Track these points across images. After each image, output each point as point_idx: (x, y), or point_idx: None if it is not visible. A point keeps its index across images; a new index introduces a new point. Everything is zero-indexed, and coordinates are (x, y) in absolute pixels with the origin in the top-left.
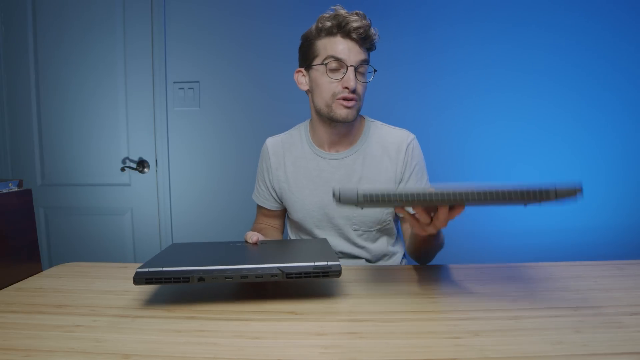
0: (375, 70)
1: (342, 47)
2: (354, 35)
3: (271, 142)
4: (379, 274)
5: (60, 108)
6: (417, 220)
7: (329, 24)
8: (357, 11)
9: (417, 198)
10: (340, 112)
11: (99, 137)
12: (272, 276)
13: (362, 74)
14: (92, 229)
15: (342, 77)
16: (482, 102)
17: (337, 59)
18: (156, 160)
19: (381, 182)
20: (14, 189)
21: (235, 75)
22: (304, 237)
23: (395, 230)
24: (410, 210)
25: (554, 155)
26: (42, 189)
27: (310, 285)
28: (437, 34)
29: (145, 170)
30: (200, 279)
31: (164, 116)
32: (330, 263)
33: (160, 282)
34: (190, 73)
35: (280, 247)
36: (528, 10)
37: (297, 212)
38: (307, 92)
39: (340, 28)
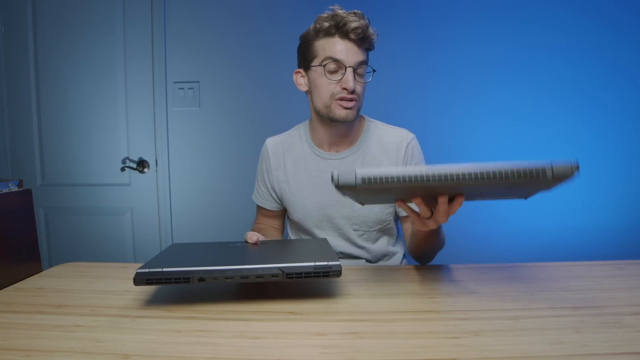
0: (374, 71)
1: (340, 48)
2: (352, 35)
3: (271, 143)
4: (379, 274)
5: (60, 108)
6: (418, 215)
7: (326, 24)
8: (355, 11)
9: (416, 179)
10: (340, 112)
11: (99, 137)
12: (272, 276)
13: (361, 75)
14: (92, 229)
15: (341, 78)
16: (482, 102)
17: (336, 60)
18: (156, 160)
19: None
20: (14, 189)
21: (235, 75)
22: (304, 237)
23: (395, 230)
24: (413, 206)
25: (554, 155)
26: (42, 189)
27: (310, 285)
28: (437, 33)
29: (145, 170)
30: (201, 280)
31: (164, 116)
32: (330, 263)
33: (161, 283)
34: (190, 73)
35: (280, 247)
36: (528, 10)
37: (297, 212)
38: (306, 92)
39: (338, 28)
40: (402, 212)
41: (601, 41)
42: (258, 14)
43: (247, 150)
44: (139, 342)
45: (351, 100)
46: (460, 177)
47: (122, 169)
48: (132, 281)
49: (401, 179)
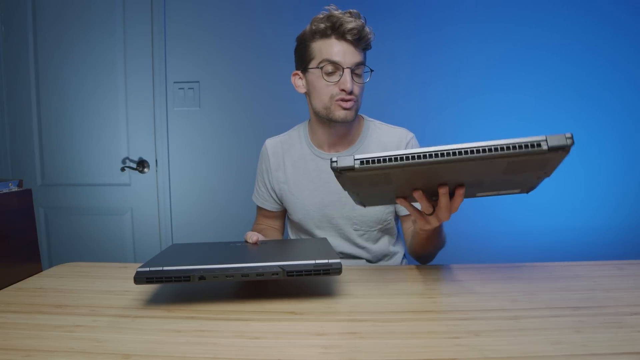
0: (371, 71)
1: (337, 50)
2: (348, 36)
3: (270, 143)
4: (379, 274)
5: (60, 108)
6: (421, 213)
7: (322, 25)
8: (351, 10)
9: (413, 157)
10: (339, 113)
11: (99, 137)
12: (273, 274)
13: (359, 75)
14: (92, 229)
15: (339, 80)
16: (482, 102)
17: (333, 62)
18: (156, 160)
19: None
20: (14, 189)
21: (235, 75)
22: (305, 237)
23: (395, 230)
24: (416, 204)
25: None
26: (42, 189)
27: (310, 285)
28: (437, 34)
29: (145, 170)
30: (201, 278)
31: (164, 116)
32: (330, 261)
33: (161, 281)
34: (190, 73)
35: (280, 246)
36: (528, 10)
37: (297, 212)
38: (305, 94)
39: (334, 30)
40: (402, 212)
41: (601, 41)
42: (258, 14)
43: (247, 150)
44: (139, 342)
45: (349, 100)
46: (457, 151)
47: (122, 169)
48: (132, 281)
49: (399, 159)
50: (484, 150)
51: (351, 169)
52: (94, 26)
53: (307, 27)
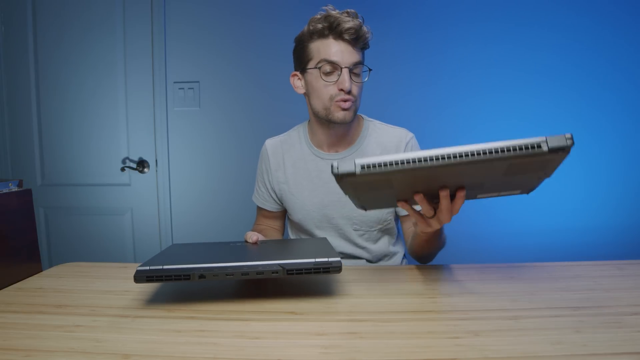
0: (370, 70)
1: (335, 50)
2: (346, 36)
3: (270, 144)
4: (379, 274)
5: (60, 108)
6: (422, 216)
7: (320, 26)
8: (349, 10)
9: (414, 161)
10: (338, 114)
11: (99, 137)
12: (273, 272)
13: (357, 75)
14: (92, 229)
15: (337, 80)
16: (482, 102)
17: (331, 62)
18: (156, 160)
19: None
20: (14, 189)
21: (235, 75)
22: (305, 237)
23: (395, 230)
24: (417, 207)
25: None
26: (42, 189)
27: (310, 285)
28: (437, 33)
29: (145, 170)
30: (201, 276)
31: (164, 116)
32: (330, 259)
33: (161, 280)
34: (190, 73)
35: (280, 246)
36: (528, 10)
37: (297, 212)
38: (304, 95)
39: (332, 29)
40: (402, 212)
41: (601, 41)
42: (258, 14)
43: (247, 150)
44: (139, 342)
45: (348, 100)
46: (457, 155)
47: (122, 169)
48: (132, 281)
49: (399, 163)
50: (484, 153)
51: (352, 174)
52: (94, 26)
53: (305, 28)
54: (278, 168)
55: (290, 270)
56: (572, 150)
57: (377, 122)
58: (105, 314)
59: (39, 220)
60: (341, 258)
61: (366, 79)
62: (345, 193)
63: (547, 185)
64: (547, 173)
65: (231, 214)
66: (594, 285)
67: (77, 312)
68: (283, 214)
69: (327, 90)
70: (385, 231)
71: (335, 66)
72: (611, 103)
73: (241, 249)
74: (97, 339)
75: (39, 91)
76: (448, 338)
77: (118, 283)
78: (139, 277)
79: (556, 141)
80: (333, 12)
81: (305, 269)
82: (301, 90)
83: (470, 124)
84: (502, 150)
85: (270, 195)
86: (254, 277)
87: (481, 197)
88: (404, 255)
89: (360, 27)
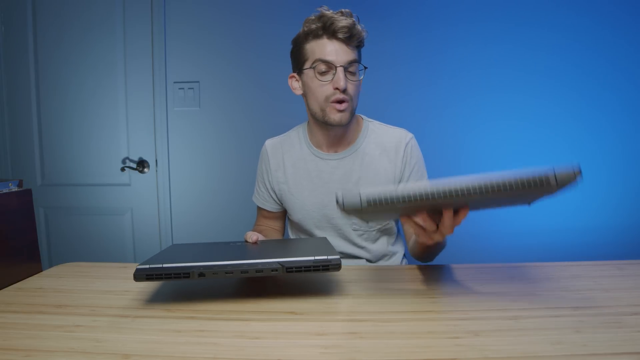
0: (365, 68)
1: (329, 49)
2: (339, 35)
3: (270, 144)
4: (379, 274)
5: (60, 108)
6: (424, 229)
7: (314, 26)
8: (343, 10)
9: (421, 197)
10: (334, 116)
11: (99, 137)
12: (272, 270)
13: (353, 73)
14: (92, 229)
15: (332, 79)
16: (482, 102)
17: (325, 62)
18: (156, 160)
19: (380, 182)
20: (14, 189)
21: (235, 75)
22: (304, 237)
23: (395, 230)
24: (420, 221)
25: (554, 155)
26: (42, 189)
27: (310, 284)
28: (437, 33)
29: (145, 170)
30: (201, 275)
31: (164, 116)
32: (330, 257)
33: (161, 279)
34: (190, 73)
35: (280, 245)
36: (528, 10)
37: (297, 213)
38: (302, 95)
39: (325, 29)
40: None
41: (601, 41)
42: (258, 14)
43: (247, 150)
44: (139, 342)
45: (343, 101)
46: (465, 191)
47: (122, 169)
48: (132, 281)
49: (406, 199)
50: (492, 190)
51: (357, 208)
52: (94, 26)
53: (301, 29)
54: (278, 168)
55: (289, 268)
56: (572, 150)
57: (377, 122)
58: (105, 314)
59: (39, 220)
60: (341, 258)
61: (362, 77)
62: (349, 216)
63: None
64: (553, 195)
65: (231, 214)
66: (594, 285)
67: (77, 312)
68: (283, 215)
69: (322, 90)
70: (384, 231)
71: (330, 65)
72: (611, 103)
73: (241, 249)
74: (97, 339)
75: (39, 91)
76: (448, 338)
77: (118, 283)
78: (139, 275)
79: (564, 176)
80: (327, 12)
81: (304, 267)
82: (299, 92)
83: (470, 124)
84: (510, 187)
85: (270, 195)
86: (254, 275)
87: (484, 209)
88: (404, 255)
89: (353, 25)
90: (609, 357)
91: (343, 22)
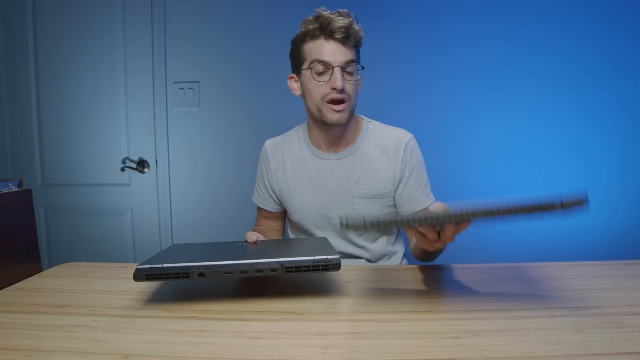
0: (362, 67)
1: (326, 49)
2: (336, 35)
3: (270, 144)
4: (379, 274)
5: (60, 108)
6: (425, 237)
7: (311, 27)
8: (340, 10)
9: (425, 220)
10: (332, 116)
11: (99, 137)
12: (272, 270)
13: (351, 73)
14: (92, 229)
15: (330, 79)
16: (482, 102)
17: (322, 62)
18: (156, 160)
19: (380, 182)
20: (14, 189)
21: (235, 75)
22: (304, 237)
23: (395, 230)
24: (422, 230)
25: (554, 155)
26: (42, 189)
27: (310, 284)
28: (437, 33)
29: (145, 170)
30: (200, 274)
31: (164, 116)
32: (329, 257)
33: (161, 278)
34: (190, 73)
35: (279, 245)
36: (528, 10)
37: (297, 212)
38: (301, 96)
39: (322, 30)
40: (404, 212)
41: (601, 41)
42: (258, 14)
43: (247, 150)
44: (139, 342)
45: (341, 102)
46: (466, 217)
47: (122, 169)
48: (132, 281)
49: (410, 223)
50: (498, 216)
51: (361, 229)
52: (94, 26)
53: (299, 30)
54: (278, 168)
55: (289, 268)
56: (572, 151)
57: (377, 122)
58: (105, 314)
59: (39, 220)
60: (341, 258)
61: (359, 77)
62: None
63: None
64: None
65: (231, 214)
66: (594, 285)
67: (77, 312)
68: (283, 215)
69: (319, 90)
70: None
71: (327, 66)
72: (611, 103)
73: (241, 249)
74: (97, 339)
75: (39, 91)
76: (448, 338)
77: (118, 283)
78: (139, 275)
79: (571, 205)
80: (324, 13)
81: (304, 267)
82: (298, 92)
83: (470, 124)
84: (517, 213)
85: (270, 195)
86: (253, 275)
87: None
88: (404, 254)
89: (350, 25)
90: (609, 357)
91: (340, 22)
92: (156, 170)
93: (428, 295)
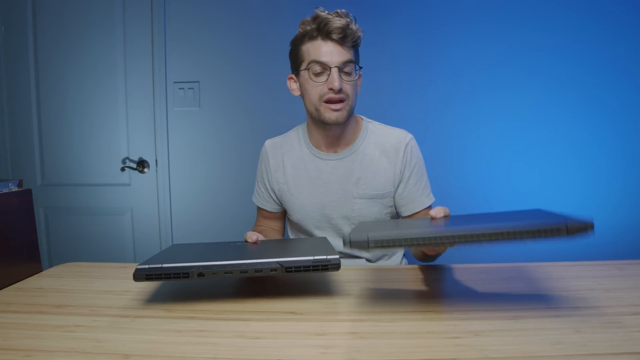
0: (360, 68)
1: (324, 50)
2: (334, 35)
3: (270, 144)
4: (379, 274)
5: (60, 108)
6: None
7: (309, 27)
8: (338, 10)
9: (429, 240)
10: (330, 115)
11: (99, 137)
12: (271, 270)
13: (348, 73)
14: (92, 229)
15: (327, 79)
16: (482, 102)
17: (320, 63)
18: (156, 160)
19: (380, 182)
20: (14, 189)
21: (235, 75)
22: (304, 237)
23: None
24: None
25: (554, 155)
26: (42, 189)
27: (310, 284)
28: (437, 34)
29: (145, 170)
30: (200, 274)
31: (164, 116)
32: (329, 257)
33: (160, 278)
34: (190, 73)
35: (279, 245)
36: (528, 10)
37: (297, 213)
38: (300, 97)
39: (320, 30)
40: (404, 213)
41: (601, 41)
42: (258, 14)
43: (247, 150)
44: (139, 342)
45: (339, 101)
46: (471, 237)
47: (122, 169)
48: (131, 281)
49: (414, 242)
50: (502, 239)
51: (364, 247)
52: (94, 26)
53: (298, 31)
54: (277, 169)
55: (288, 268)
56: (572, 150)
57: (377, 123)
58: (105, 314)
59: (39, 220)
60: (341, 257)
61: (358, 77)
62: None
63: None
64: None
65: (231, 214)
66: (594, 285)
67: (77, 312)
68: (283, 215)
69: (316, 90)
70: None
71: (324, 66)
72: (611, 103)
73: (240, 249)
74: (97, 339)
75: (39, 91)
76: (448, 338)
77: (118, 283)
78: (139, 275)
79: (576, 229)
80: (321, 13)
81: (303, 267)
82: (297, 93)
83: (470, 124)
84: (518, 236)
85: (270, 195)
86: (253, 275)
87: None
88: (404, 254)
89: (347, 25)
90: (609, 357)
91: (337, 22)
92: (156, 170)
93: (428, 295)
